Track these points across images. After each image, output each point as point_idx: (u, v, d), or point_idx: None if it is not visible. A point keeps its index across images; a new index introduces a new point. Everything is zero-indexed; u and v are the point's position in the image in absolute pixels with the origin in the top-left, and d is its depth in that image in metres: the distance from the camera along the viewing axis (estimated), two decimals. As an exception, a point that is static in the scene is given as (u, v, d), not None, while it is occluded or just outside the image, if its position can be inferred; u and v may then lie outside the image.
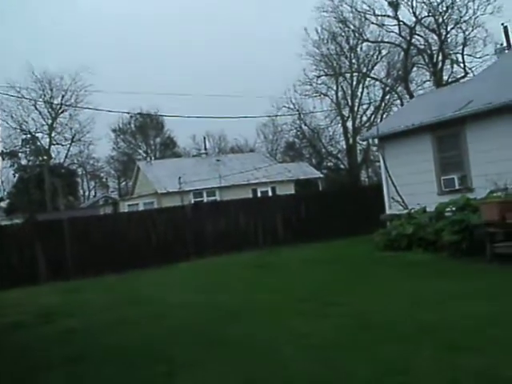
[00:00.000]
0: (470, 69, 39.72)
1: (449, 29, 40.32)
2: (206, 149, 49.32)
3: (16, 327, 10.43)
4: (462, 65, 40.88)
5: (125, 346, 7.77)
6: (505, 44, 24.25)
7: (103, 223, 19.57)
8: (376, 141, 18.45)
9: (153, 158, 60.91)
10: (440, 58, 41.36)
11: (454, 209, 13.97)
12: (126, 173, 62.66)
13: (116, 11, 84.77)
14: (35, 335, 9.43)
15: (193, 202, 34.24)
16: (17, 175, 59.86)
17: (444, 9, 39.74)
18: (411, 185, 16.82)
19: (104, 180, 71.74)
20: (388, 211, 18.05)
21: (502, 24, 25.08)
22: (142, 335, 8.40)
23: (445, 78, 41.23)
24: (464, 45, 40.04)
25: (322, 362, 6.03)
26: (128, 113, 59.97)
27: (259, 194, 36.75)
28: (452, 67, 42.03)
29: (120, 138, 66.21)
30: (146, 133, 65.42)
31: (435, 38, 41.20)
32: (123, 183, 69.43)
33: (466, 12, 38.95)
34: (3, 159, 54.93)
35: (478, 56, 39.37)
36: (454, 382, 5.04)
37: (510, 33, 24.39)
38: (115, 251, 18.66)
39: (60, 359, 7.40)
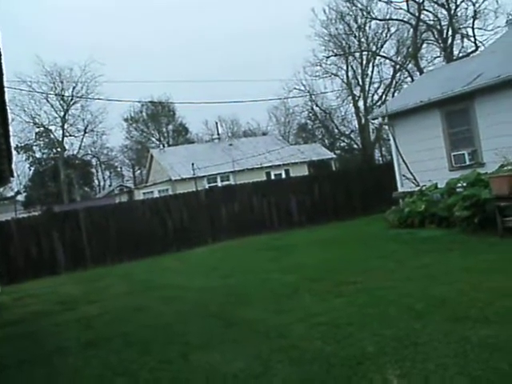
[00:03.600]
0: (480, 42, 39.24)
1: (458, 2, 39.80)
2: (218, 134, 49.22)
3: (37, 316, 10.75)
4: (472, 39, 40.41)
5: (141, 330, 7.97)
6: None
7: (118, 211, 19.80)
8: (386, 119, 18.41)
9: (166, 145, 61.02)
10: (450, 32, 40.92)
11: (465, 184, 13.96)
12: (140, 161, 62.97)
13: None
14: (55, 322, 9.66)
15: (207, 187, 34.38)
16: (32, 168, 60.30)
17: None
18: (422, 162, 16.84)
19: (118, 169, 72.11)
20: (400, 189, 18.09)
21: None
22: (157, 319, 8.59)
23: (455, 52, 40.83)
24: (474, 18, 39.43)
25: (332, 339, 6.14)
26: (139, 101, 60.40)
27: (273, 177, 36.80)
28: (462, 42, 41.60)
29: (132, 126, 66.39)
30: (158, 120, 65.50)
31: (444, 12, 40.74)
32: (138, 172, 69.79)
33: (476, -16, 38.29)
34: (18, 153, 55.32)
35: (489, 29, 38.91)
36: (461, 353, 5.14)
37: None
38: (131, 239, 18.94)
39: (79, 344, 7.65)
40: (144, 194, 36.57)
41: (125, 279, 14.44)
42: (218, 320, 7.93)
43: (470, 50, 39.59)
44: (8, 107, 6.31)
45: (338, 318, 6.97)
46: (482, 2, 38.49)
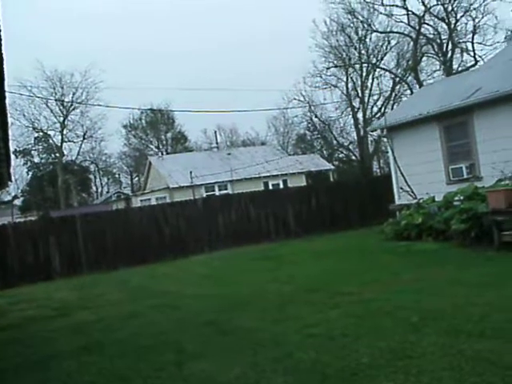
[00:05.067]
0: (480, 57, 39.52)
1: (458, 17, 40.09)
2: (217, 143, 49.25)
3: (33, 321, 10.74)
4: (472, 53, 40.64)
5: (136, 337, 7.96)
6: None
7: (115, 218, 19.80)
8: (385, 131, 18.46)
9: (164, 152, 60.98)
10: (450, 46, 41.13)
11: (462, 198, 13.99)
12: (139, 168, 62.93)
13: (125, 5, 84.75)
14: (50, 328, 9.65)
15: (205, 195, 34.38)
16: (30, 173, 60.26)
17: (453, -4, 39.41)
18: (420, 174, 16.88)
19: (116, 176, 72.08)
20: (397, 201, 18.12)
21: (512, 10, 24.97)
22: (152, 327, 8.59)
23: (455, 66, 41.03)
24: (474, 33, 39.77)
25: (327, 350, 6.14)
26: (138, 109, 60.32)
27: (271, 187, 36.83)
28: (462, 56, 41.86)
29: (131, 133, 66.44)
30: (157, 128, 65.53)
31: (444, 26, 40.92)
32: (136, 179, 69.78)
33: (476, -1, 38.57)
34: (16, 157, 55.32)
35: (488, 44, 39.20)
36: (456, 366, 5.13)
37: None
38: (128, 245, 18.93)
39: (73, 350, 7.63)
40: (141, 201, 36.60)
41: (120, 286, 14.42)
42: (213, 328, 7.92)
43: (469, 64, 39.78)
44: (8, 111, 6.32)
45: (333, 329, 6.96)
46: (482, 18, 38.86)
